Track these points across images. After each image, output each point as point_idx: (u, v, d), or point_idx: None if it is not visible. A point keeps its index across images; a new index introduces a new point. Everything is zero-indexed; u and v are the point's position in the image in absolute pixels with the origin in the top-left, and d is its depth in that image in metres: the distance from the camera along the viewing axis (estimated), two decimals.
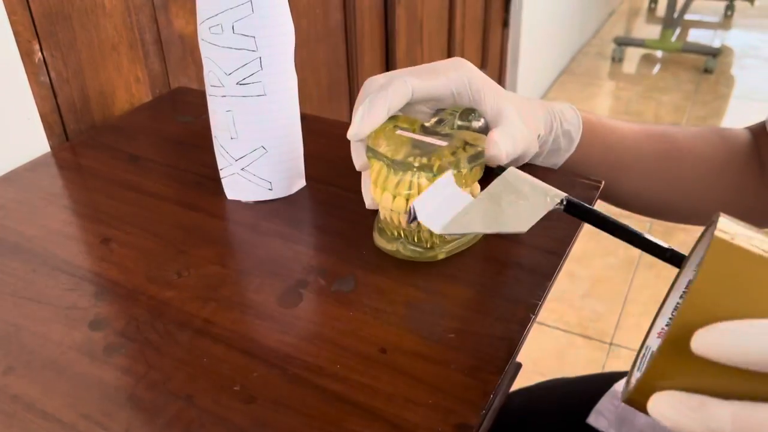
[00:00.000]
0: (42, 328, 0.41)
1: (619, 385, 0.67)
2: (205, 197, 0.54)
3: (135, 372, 0.38)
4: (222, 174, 0.53)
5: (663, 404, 0.24)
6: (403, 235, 0.44)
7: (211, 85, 0.49)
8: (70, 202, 0.54)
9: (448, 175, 0.41)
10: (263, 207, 0.52)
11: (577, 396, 0.69)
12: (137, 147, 0.62)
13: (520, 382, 0.62)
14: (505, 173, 0.40)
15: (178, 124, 0.66)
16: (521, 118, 0.48)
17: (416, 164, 0.41)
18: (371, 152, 0.43)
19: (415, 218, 0.40)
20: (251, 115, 0.49)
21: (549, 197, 0.38)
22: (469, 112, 0.49)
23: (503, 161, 0.44)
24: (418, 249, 0.44)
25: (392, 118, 0.45)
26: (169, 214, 0.52)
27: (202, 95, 0.73)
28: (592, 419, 0.64)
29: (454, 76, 0.46)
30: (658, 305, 0.33)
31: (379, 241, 0.45)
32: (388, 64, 1.34)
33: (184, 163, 0.59)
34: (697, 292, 0.25)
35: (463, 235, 0.45)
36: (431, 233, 0.42)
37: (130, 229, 0.50)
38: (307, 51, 1.06)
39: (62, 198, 0.55)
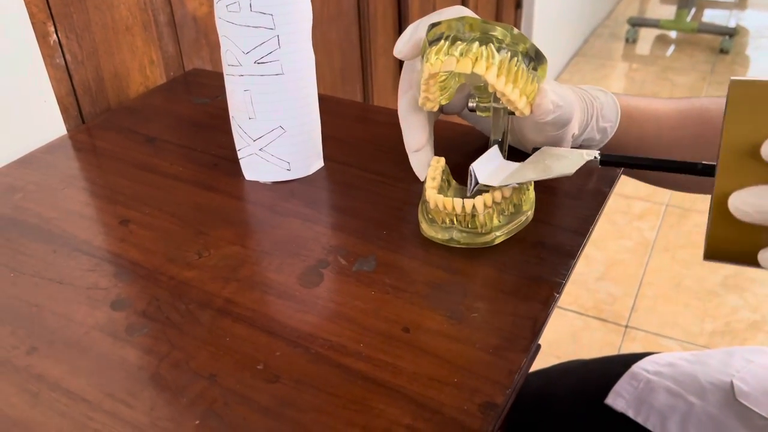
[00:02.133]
0: (64, 308, 0.41)
1: (638, 366, 0.67)
2: (222, 178, 0.53)
3: (158, 351, 0.38)
4: (240, 155, 0.53)
5: (743, 194, 0.27)
6: (456, 221, 0.43)
7: (229, 65, 0.49)
8: (87, 184, 0.54)
9: (496, 148, 0.45)
10: (281, 187, 0.52)
11: (595, 378, 0.68)
12: (153, 129, 0.61)
13: (537, 365, 0.62)
14: (542, 149, 0.44)
15: (194, 106, 0.66)
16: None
17: (477, 35, 0.41)
18: (432, 30, 0.42)
19: (477, 183, 0.42)
20: (269, 94, 0.49)
21: (585, 154, 0.42)
22: None
23: (550, 110, 0.43)
24: (473, 234, 0.43)
25: None
26: (187, 195, 0.51)
27: (216, 77, 0.72)
28: (611, 400, 0.64)
29: None
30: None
31: (429, 232, 0.44)
32: None
33: (201, 144, 0.58)
34: (732, 123, 0.30)
35: (519, 216, 0.44)
36: (486, 216, 0.42)
37: (148, 210, 0.50)
38: (320, 32, 1.05)
39: (80, 180, 0.55)
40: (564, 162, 0.41)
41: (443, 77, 0.43)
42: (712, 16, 3.34)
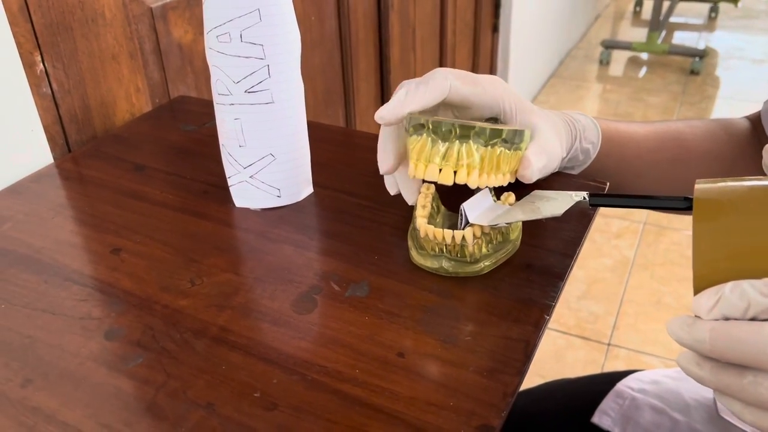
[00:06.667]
0: (57, 339, 0.41)
1: (623, 384, 0.68)
2: (212, 205, 0.54)
3: (154, 381, 0.38)
4: (230, 182, 0.53)
5: (671, 324, 0.32)
6: (445, 250, 0.43)
7: (219, 94, 0.50)
8: (77, 213, 0.54)
9: (486, 191, 0.46)
10: (272, 214, 0.52)
11: (580, 396, 0.69)
12: (141, 156, 0.62)
13: (522, 385, 0.62)
14: (532, 192, 0.45)
15: (181, 133, 0.66)
16: (555, 135, 0.49)
17: (459, 130, 0.42)
18: (414, 123, 0.43)
19: (467, 222, 0.43)
20: (260, 122, 0.49)
21: (574, 194, 0.43)
22: (493, 123, 0.50)
23: (533, 179, 0.45)
24: (461, 263, 0.43)
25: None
26: (177, 223, 0.52)
27: (202, 104, 0.73)
28: (597, 418, 0.65)
29: (491, 89, 0.48)
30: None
31: (419, 260, 0.45)
32: (383, 71, 1.34)
33: (190, 171, 0.59)
34: (698, 244, 0.31)
35: (506, 245, 0.45)
36: (475, 246, 0.43)
37: (139, 239, 0.50)
38: (304, 58, 1.06)
39: (69, 209, 0.55)
40: (553, 203, 0.42)
41: None
42: (682, 38, 3.43)
